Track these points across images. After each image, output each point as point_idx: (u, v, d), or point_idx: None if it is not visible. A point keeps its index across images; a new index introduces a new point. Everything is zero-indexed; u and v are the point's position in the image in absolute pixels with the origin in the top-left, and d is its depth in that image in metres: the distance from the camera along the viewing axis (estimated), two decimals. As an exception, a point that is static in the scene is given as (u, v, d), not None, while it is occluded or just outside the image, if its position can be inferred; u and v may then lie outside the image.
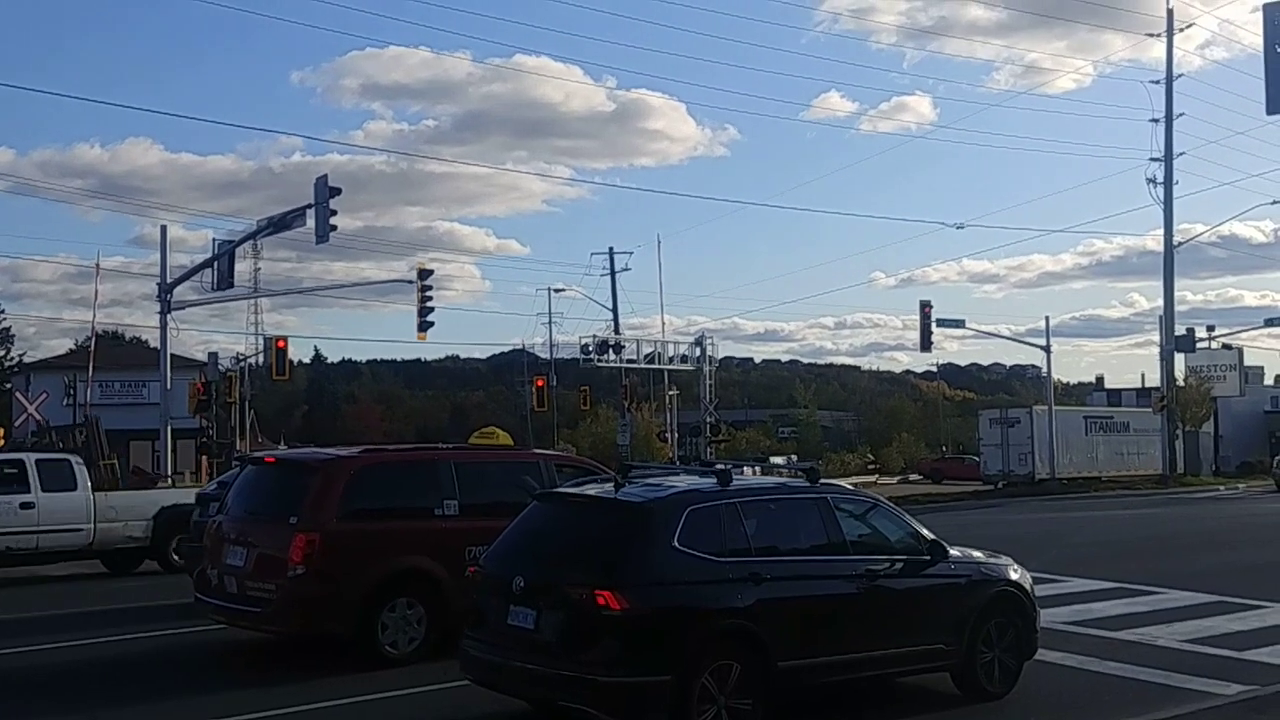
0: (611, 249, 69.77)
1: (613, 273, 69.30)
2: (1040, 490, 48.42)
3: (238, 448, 39.06)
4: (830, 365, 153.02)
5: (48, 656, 12.83)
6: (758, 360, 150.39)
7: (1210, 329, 61.95)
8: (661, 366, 48.83)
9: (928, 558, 10.06)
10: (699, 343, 48.76)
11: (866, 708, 9.81)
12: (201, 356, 47.05)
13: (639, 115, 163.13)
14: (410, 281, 33.31)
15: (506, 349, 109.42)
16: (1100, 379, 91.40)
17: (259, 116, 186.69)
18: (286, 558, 11.64)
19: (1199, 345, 58.10)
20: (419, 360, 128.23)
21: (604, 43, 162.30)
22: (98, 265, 42.78)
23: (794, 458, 60.09)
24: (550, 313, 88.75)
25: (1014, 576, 10.77)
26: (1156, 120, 54.81)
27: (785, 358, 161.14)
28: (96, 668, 12.38)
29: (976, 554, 10.91)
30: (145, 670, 12.24)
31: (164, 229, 29.93)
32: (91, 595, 18.01)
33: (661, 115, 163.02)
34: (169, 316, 29.20)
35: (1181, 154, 55.06)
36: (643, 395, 62.57)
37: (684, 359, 48.21)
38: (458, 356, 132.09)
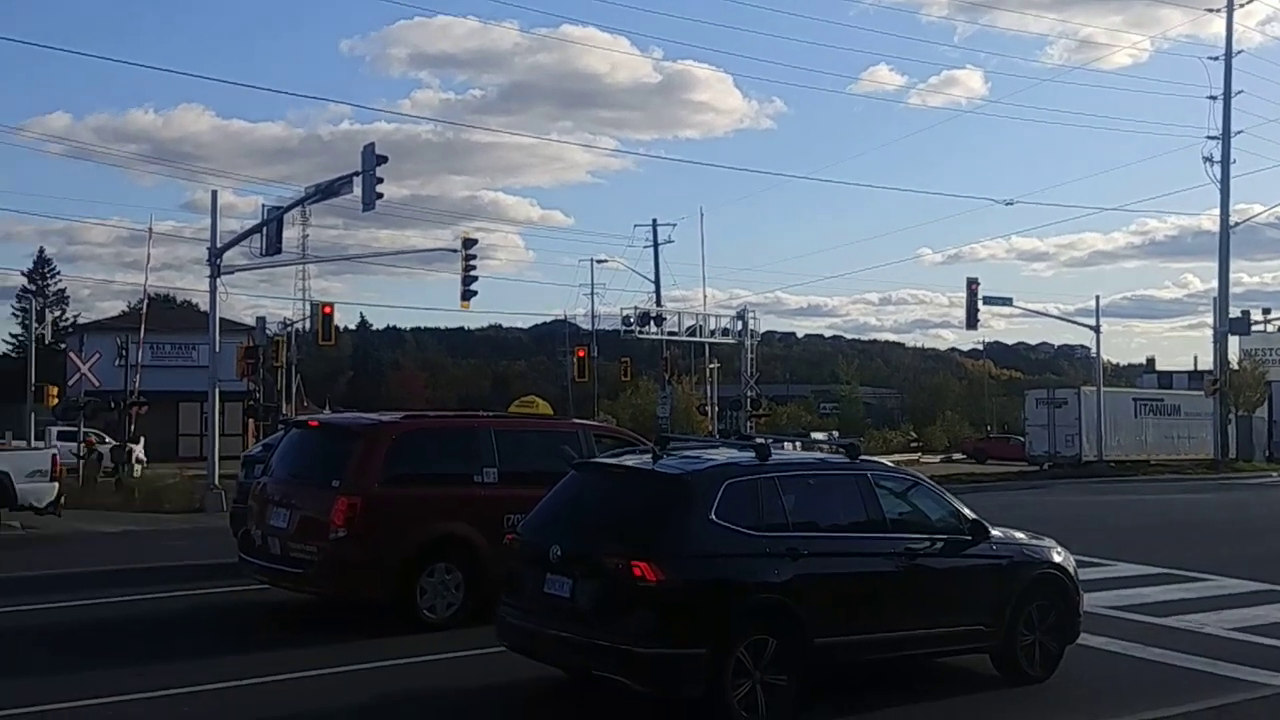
0: (655, 221, 69.48)
1: (655, 245, 69.07)
2: (1087, 472, 47.92)
3: (283, 411, 39.42)
4: (874, 341, 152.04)
5: (94, 612, 13.00)
6: (800, 335, 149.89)
7: (1266, 312, 60.80)
8: (703, 339, 48.66)
9: (969, 538, 9.96)
10: (741, 316, 48.57)
11: (903, 687, 9.75)
12: (250, 321, 47.45)
13: (685, 87, 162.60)
14: (455, 250, 33.37)
15: (549, 319, 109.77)
16: (1151, 361, 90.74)
17: (309, 85, 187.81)
18: (328, 520, 11.74)
19: (1254, 328, 57.15)
20: (462, 329, 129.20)
21: (651, 14, 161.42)
22: (150, 229, 43.37)
23: (835, 434, 59.84)
24: (592, 283, 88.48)
25: (1057, 559, 10.65)
26: (1215, 97, 53.85)
27: (828, 333, 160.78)
28: (143, 624, 12.59)
29: (1019, 535, 10.80)
30: (190, 627, 12.44)
31: (214, 194, 30.10)
32: (139, 552, 18.24)
33: (707, 87, 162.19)
34: (218, 281, 29.38)
35: (1240, 132, 54.12)
36: (683, 368, 62.50)
37: (725, 332, 48.04)
38: (500, 326, 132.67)
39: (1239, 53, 54.72)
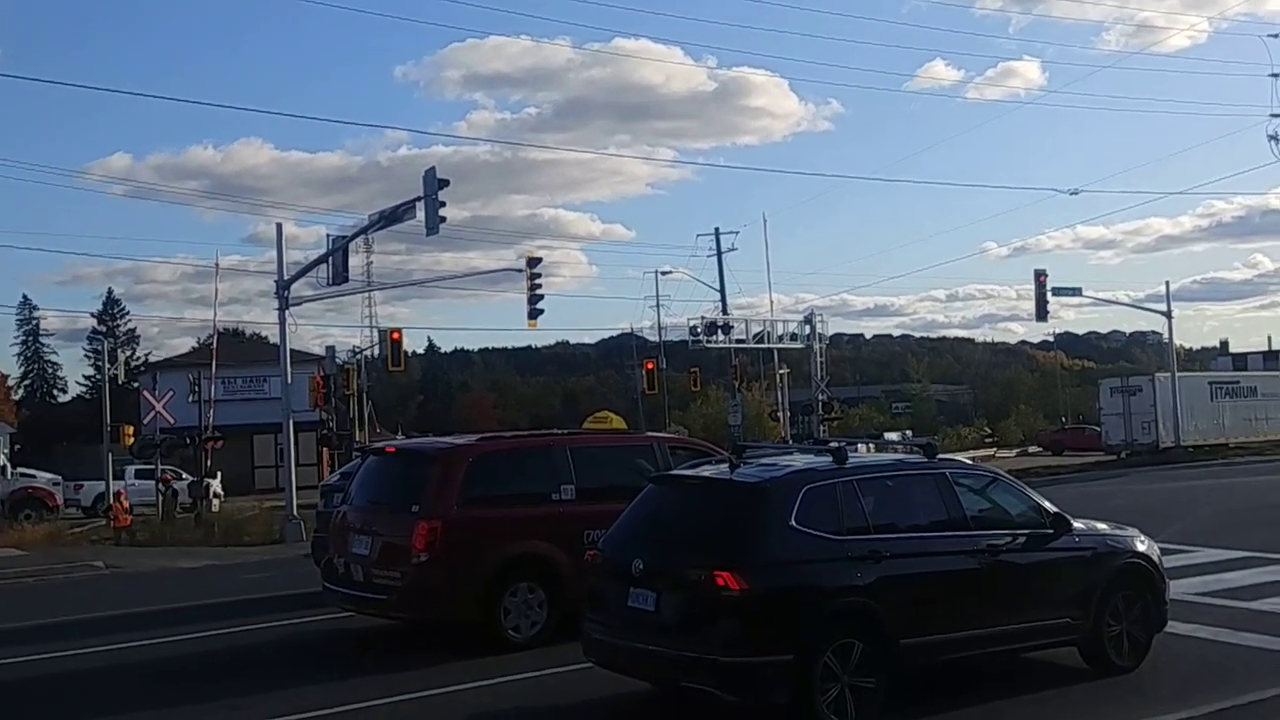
0: (717, 229, 69.32)
1: (719, 253, 68.93)
2: (1165, 459, 47.22)
3: (356, 439, 39.88)
4: (943, 338, 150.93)
5: (183, 647, 13.23)
6: (868, 336, 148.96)
7: (1341, 287, 59.72)
8: (771, 345, 48.56)
9: (1050, 531, 9.90)
10: (808, 320, 48.41)
11: (993, 683, 9.70)
12: (318, 350, 48.28)
13: (740, 93, 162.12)
14: (519, 270, 33.53)
15: (615, 333, 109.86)
16: (1225, 343, 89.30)
17: (365, 113, 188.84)
18: (410, 545, 11.87)
19: (1329, 304, 56.07)
20: (530, 347, 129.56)
21: (703, 22, 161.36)
22: (217, 265, 43.86)
23: (909, 433, 59.40)
24: (658, 295, 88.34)
25: (1141, 548, 10.55)
26: (1276, 75, 52.90)
27: (896, 332, 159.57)
28: (231, 657, 12.80)
29: (1101, 526, 10.72)
30: (279, 658, 12.61)
31: (279, 227, 30.48)
32: (222, 586, 18.54)
33: (763, 92, 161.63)
34: (287, 313, 29.76)
35: (1303, 107, 53.12)
36: (753, 375, 62.43)
37: (793, 337, 47.90)
38: (567, 342, 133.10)
39: (1299, 26, 53.81)
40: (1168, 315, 52.58)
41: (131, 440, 39.71)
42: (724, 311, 58.33)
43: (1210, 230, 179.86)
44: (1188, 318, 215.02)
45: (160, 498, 35.38)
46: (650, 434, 16.79)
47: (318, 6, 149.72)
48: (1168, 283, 53.08)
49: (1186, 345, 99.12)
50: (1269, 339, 78.06)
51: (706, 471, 9.99)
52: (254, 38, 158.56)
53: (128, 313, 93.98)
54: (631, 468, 12.69)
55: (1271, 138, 52.53)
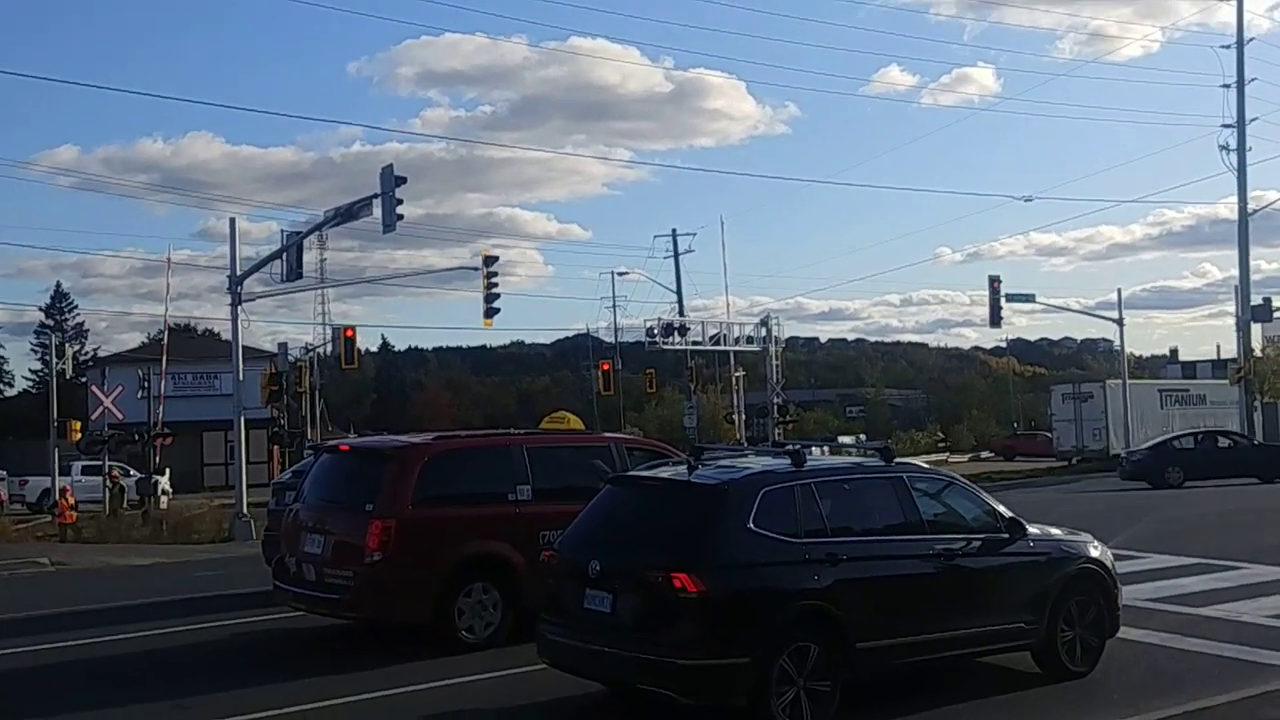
0: (674, 231, 69.71)
1: (676, 255, 69.23)
2: (1115, 465, 47.58)
3: (309, 437, 39.57)
4: (897, 343, 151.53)
5: (129, 645, 13.04)
6: (823, 339, 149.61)
7: (1288, 297, 60.49)
8: (727, 348, 48.65)
9: (1006, 535, 9.94)
10: (764, 323, 48.52)
11: (947, 687, 9.71)
12: (270, 347, 47.80)
13: (698, 95, 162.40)
14: (474, 268, 33.43)
15: (571, 333, 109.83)
16: (1174, 351, 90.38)
17: (318, 108, 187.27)
18: (363, 545, 11.75)
19: (1276, 315, 56.75)
20: (485, 346, 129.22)
21: (661, 23, 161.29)
22: (169, 259, 43.69)
23: (863, 437, 59.72)
24: (614, 296, 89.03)
25: (1094, 553, 10.61)
26: (1228, 86, 53.51)
27: (851, 336, 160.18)
28: (180, 656, 12.62)
29: (1055, 531, 10.77)
30: (228, 658, 12.45)
31: (233, 221, 30.17)
32: (170, 584, 18.31)
33: (721, 94, 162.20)
34: (240, 308, 29.47)
35: (1254, 119, 53.72)
36: (708, 377, 62.46)
37: (749, 340, 48.00)
38: (523, 342, 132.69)
39: (1250, 40, 54.48)
40: (1120, 323, 53.21)
41: (79, 436, 39.22)
42: (680, 313, 58.52)
43: (1161, 239, 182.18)
44: (1138, 325, 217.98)
45: (107, 494, 34.95)
46: (608, 434, 16.72)
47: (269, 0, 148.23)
48: (1119, 290, 53.85)
49: (1137, 353, 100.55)
50: (1218, 347, 79.07)
51: (665, 473, 9.95)
52: (204, 30, 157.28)
53: (76, 307, 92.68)
54: (589, 468, 12.62)
55: (1223, 148, 53.33)
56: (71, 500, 30.91)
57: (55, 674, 11.88)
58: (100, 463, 37.03)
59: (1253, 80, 53.60)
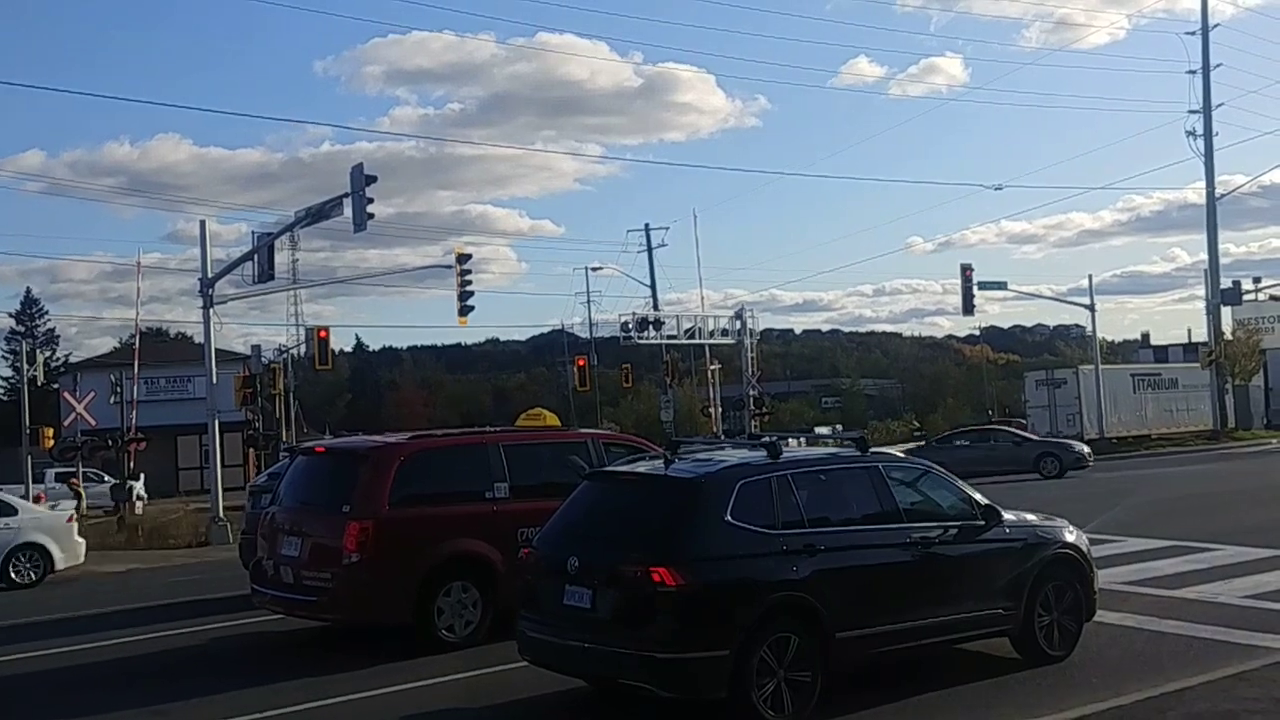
0: (647, 225, 69.83)
1: (649, 249, 69.36)
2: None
3: (284, 439, 39.35)
4: (871, 333, 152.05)
5: (107, 653, 13.01)
6: (798, 331, 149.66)
7: (1257, 280, 61.09)
8: (702, 341, 48.61)
9: (982, 522, 9.99)
10: (739, 316, 48.50)
11: (925, 676, 9.75)
12: (243, 349, 47.53)
13: (667, 89, 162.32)
14: (447, 266, 33.38)
15: (546, 330, 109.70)
16: (1146, 336, 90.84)
17: (285, 108, 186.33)
18: (341, 546, 11.71)
19: (1245, 297, 57.33)
20: (459, 344, 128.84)
21: (629, 18, 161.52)
22: (139, 263, 43.38)
23: (839, 428, 59.89)
24: (588, 292, 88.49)
25: (1070, 538, 10.68)
26: (1194, 72, 54.28)
27: (825, 327, 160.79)
28: (158, 662, 12.54)
29: (1031, 517, 10.83)
30: (206, 662, 12.41)
31: (203, 224, 30.03)
32: (147, 590, 18.20)
33: (690, 88, 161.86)
34: (211, 311, 29.30)
35: (1220, 105, 54.51)
36: (684, 371, 62.40)
37: (724, 333, 47.99)
38: (498, 339, 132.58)
39: (1215, 26, 55.08)
40: (1091, 309, 53.60)
41: (51, 443, 38.92)
42: (655, 307, 58.52)
43: (1130, 225, 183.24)
44: (1109, 311, 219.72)
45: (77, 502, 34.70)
46: (584, 430, 16.72)
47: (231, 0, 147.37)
48: (1090, 276, 54.66)
49: (1109, 338, 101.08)
50: (1189, 331, 79.59)
51: (642, 467, 9.97)
52: (168, 30, 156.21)
53: (46, 312, 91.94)
54: (566, 465, 12.63)
55: (1190, 133, 53.97)
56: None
57: (33, 682, 11.82)
58: (74, 470, 36.77)
59: (1218, 66, 54.30)
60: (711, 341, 48.54)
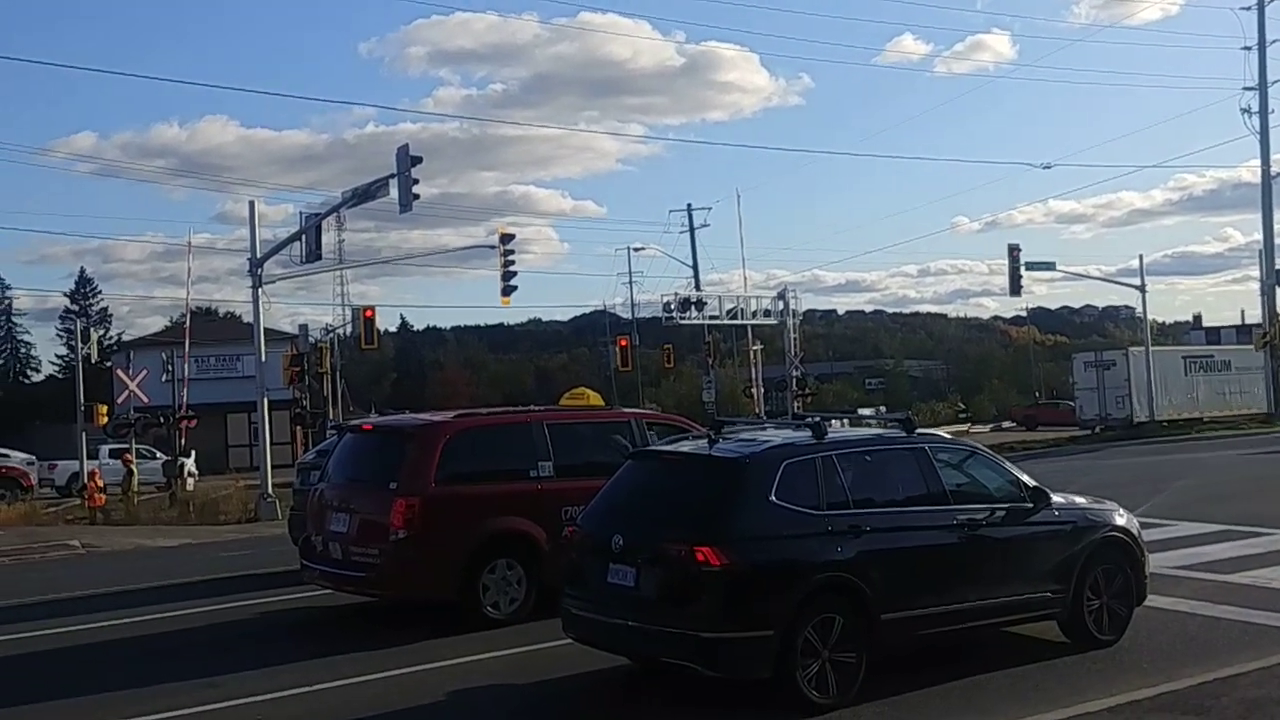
0: (689, 205, 69.57)
1: (691, 229, 69.17)
2: (1139, 433, 47.48)
3: (331, 417, 39.68)
4: (915, 314, 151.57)
5: (161, 625, 13.17)
6: (841, 312, 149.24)
7: (1312, 261, 60.02)
8: (744, 322, 48.46)
9: (1030, 505, 9.91)
10: (781, 296, 48.30)
11: (974, 657, 9.70)
12: (290, 329, 47.95)
13: (710, 68, 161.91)
14: (490, 247, 33.31)
15: (588, 310, 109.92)
16: (1198, 317, 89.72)
17: (330, 89, 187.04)
18: (388, 523, 11.80)
19: (1300, 278, 56.37)
20: (502, 324, 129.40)
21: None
22: (189, 243, 44.06)
23: (883, 409, 59.62)
24: (630, 272, 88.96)
25: (1120, 522, 10.57)
26: (1249, 48, 53.30)
27: (869, 308, 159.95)
28: (209, 635, 12.72)
29: (1080, 500, 10.73)
30: (257, 636, 12.56)
31: (252, 204, 30.23)
32: (199, 564, 18.42)
33: (733, 67, 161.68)
34: (260, 290, 29.52)
35: (1276, 81, 53.69)
36: (726, 351, 62.45)
37: (766, 313, 47.79)
38: (540, 319, 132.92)
39: (1271, 1, 54.01)
40: (1142, 289, 52.89)
41: (105, 420, 39.39)
42: (697, 288, 58.31)
43: (1182, 204, 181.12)
44: (1160, 292, 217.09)
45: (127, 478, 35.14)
46: (627, 410, 16.73)
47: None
48: (1141, 257, 54.03)
49: (1159, 319, 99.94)
50: (1242, 313, 78.60)
51: (686, 447, 9.96)
52: (216, 15, 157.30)
53: (99, 291, 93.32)
54: (609, 444, 12.65)
55: (1244, 111, 53.06)
56: (100, 483, 31.09)
57: (88, 654, 12.01)
58: (128, 446, 37.23)
59: (1274, 41, 53.65)
60: (754, 322, 48.39)
